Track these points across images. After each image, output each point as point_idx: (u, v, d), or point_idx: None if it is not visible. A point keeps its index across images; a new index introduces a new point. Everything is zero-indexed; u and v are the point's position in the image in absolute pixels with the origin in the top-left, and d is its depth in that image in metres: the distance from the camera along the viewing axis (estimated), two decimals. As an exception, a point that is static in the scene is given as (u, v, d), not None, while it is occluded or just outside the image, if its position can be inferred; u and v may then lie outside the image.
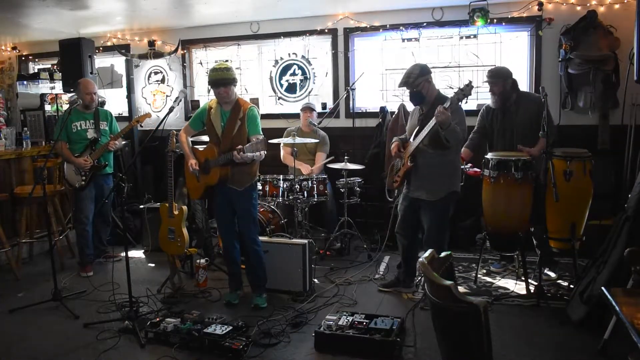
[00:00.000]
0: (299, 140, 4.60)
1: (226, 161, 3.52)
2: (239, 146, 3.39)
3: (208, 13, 5.54)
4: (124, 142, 4.79)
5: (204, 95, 6.42)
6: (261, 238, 4.08)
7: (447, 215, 3.70)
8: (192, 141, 3.99)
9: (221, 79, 3.51)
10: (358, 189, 4.93)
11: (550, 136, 3.74)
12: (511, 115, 3.99)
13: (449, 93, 5.36)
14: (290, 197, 4.64)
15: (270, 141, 4.82)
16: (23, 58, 7.19)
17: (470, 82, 3.43)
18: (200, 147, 3.84)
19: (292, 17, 5.76)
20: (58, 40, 5.80)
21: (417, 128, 3.63)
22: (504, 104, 4.00)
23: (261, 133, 3.62)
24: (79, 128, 4.55)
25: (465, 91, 3.35)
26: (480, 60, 5.34)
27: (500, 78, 3.95)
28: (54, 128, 4.67)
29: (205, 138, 4.36)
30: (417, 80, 3.58)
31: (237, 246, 3.81)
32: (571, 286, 3.82)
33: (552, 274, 4.11)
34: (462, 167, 4.60)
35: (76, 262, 4.70)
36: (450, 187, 3.64)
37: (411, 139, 3.71)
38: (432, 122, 3.41)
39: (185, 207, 4.04)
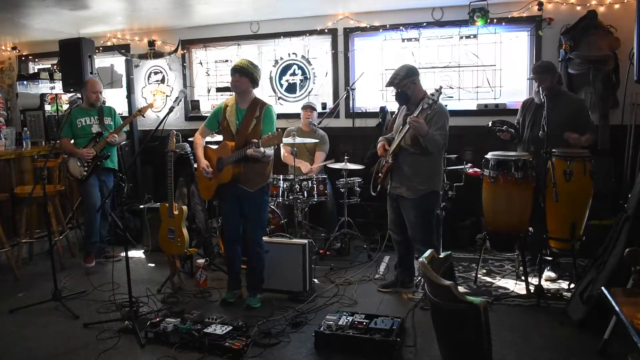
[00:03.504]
0: (298, 140, 4.60)
1: (239, 157, 3.51)
2: (254, 140, 3.40)
3: (208, 13, 5.54)
4: (124, 142, 4.82)
5: (204, 95, 6.42)
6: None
7: (430, 213, 3.72)
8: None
9: (240, 67, 3.56)
10: (358, 189, 4.93)
11: (590, 135, 3.86)
12: (547, 111, 3.88)
13: (449, 93, 5.40)
14: (290, 197, 4.64)
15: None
16: (23, 58, 7.19)
17: (441, 87, 3.51)
18: (214, 146, 3.83)
19: (292, 17, 5.76)
20: (58, 40, 5.80)
21: (402, 127, 3.67)
22: (549, 98, 3.85)
23: (275, 132, 3.60)
24: (84, 124, 4.65)
25: (435, 96, 3.42)
26: (480, 60, 5.34)
27: (549, 74, 3.90)
28: (59, 128, 4.75)
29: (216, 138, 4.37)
30: (403, 81, 3.62)
31: (238, 248, 3.80)
32: (571, 286, 3.83)
33: (552, 274, 4.11)
34: (462, 167, 4.62)
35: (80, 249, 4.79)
36: (431, 186, 3.66)
37: (395, 137, 3.76)
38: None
39: (185, 207, 4.04)
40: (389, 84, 3.70)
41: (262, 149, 3.40)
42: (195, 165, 4.19)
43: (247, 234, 3.73)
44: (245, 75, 3.56)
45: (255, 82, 3.63)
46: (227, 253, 3.92)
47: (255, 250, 3.73)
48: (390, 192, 3.84)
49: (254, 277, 3.79)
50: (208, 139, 4.09)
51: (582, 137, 3.83)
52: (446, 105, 3.78)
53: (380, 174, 3.88)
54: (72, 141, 4.65)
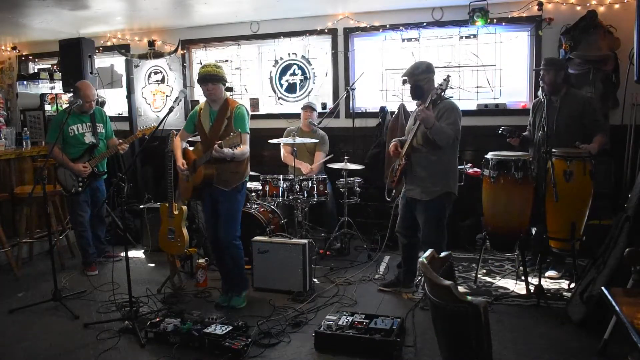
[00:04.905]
0: (298, 140, 4.60)
1: (208, 159, 3.48)
2: (217, 141, 3.35)
3: (208, 13, 5.54)
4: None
5: (204, 95, 6.41)
6: (261, 238, 4.09)
7: (443, 215, 3.68)
8: (190, 141, 3.99)
9: (209, 75, 3.50)
10: (358, 189, 4.93)
11: (601, 135, 3.83)
12: (554, 111, 3.89)
13: (449, 93, 5.39)
14: (290, 197, 4.64)
15: (270, 141, 4.85)
16: (23, 58, 7.19)
17: (449, 76, 3.52)
18: (193, 148, 3.83)
19: (292, 17, 5.76)
20: (58, 40, 5.80)
21: (413, 126, 3.66)
22: (551, 96, 3.90)
23: (247, 131, 3.57)
24: (76, 132, 4.48)
25: (443, 85, 3.44)
26: (480, 60, 5.34)
27: (553, 66, 3.90)
28: (49, 128, 4.59)
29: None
30: (421, 75, 3.63)
31: None
32: (571, 286, 3.83)
33: (554, 272, 4.11)
34: (462, 167, 4.61)
35: (81, 263, 4.72)
36: (445, 188, 3.62)
37: (407, 138, 3.75)
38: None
39: (185, 207, 4.04)
40: (408, 75, 3.65)
41: (225, 150, 3.33)
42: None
43: (218, 233, 3.66)
44: (217, 81, 3.52)
45: (225, 82, 3.60)
46: (215, 255, 3.91)
47: (228, 250, 3.66)
48: (404, 194, 3.82)
49: (233, 277, 3.76)
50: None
51: (593, 145, 3.78)
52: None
53: (394, 177, 3.83)
54: (62, 148, 4.43)
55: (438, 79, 3.64)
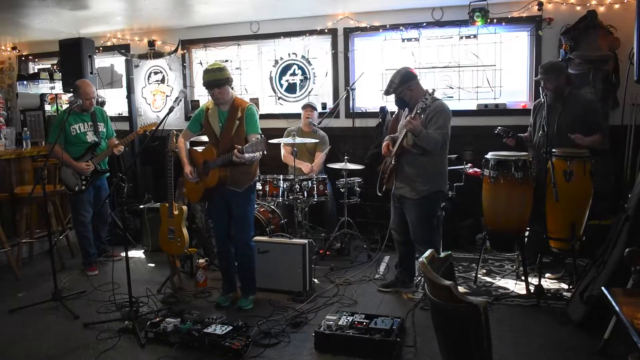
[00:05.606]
0: (299, 140, 4.60)
1: (225, 162, 3.47)
2: (238, 146, 3.35)
3: (208, 13, 5.54)
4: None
5: (204, 95, 6.41)
6: (261, 238, 4.09)
7: (433, 214, 3.69)
8: (192, 141, 3.99)
9: (214, 80, 3.45)
10: (358, 189, 4.93)
11: (599, 136, 3.81)
12: (555, 113, 3.87)
13: (449, 92, 5.40)
14: (290, 197, 4.64)
15: (270, 141, 4.83)
16: (23, 58, 7.19)
17: (434, 90, 3.54)
18: (199, 148, 3.82)
19: (292, 17, 5.76)
20: (58, 40, 5.80)
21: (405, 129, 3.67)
22: (558, 99, 3.90)
23: (259, 132, 3.57)
24: (78, 131, 4.49)
25: (427, 100, 3.45)
26: (480, 60, 5.34)
27: (553, 73, 3.88)
28: (50, 129, 4.59)
29: (206, 138, 4.36)
30: (398, 89, 3.64)
31: (232, 249, 3.77)
32: (571, 286, 3.83)
33: (552, 275, 4.11)
34: (462, 167, 4.61)
35: (81, 263, 4.71)
36: (434, 187, 3.64)
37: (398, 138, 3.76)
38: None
39: (185, 207, 4.04)
40: (386, 93, 3.73)
41: (246, 155, 3.33)
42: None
43: (234, 235, 3.67)
44: (224, 84, 3.48)
45: (231, 82, 3.57)
46: (219, 255, 3.91)
47: (245, 252, 3.69)
48: (394, 192, 3.84)
49: (244, 278, 3.77)
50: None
51: (586, 138, 3.79)
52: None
53: (385, 175, 3.86)
54: (64, 147, 4.43)
55: (437, 78, 3.65)
